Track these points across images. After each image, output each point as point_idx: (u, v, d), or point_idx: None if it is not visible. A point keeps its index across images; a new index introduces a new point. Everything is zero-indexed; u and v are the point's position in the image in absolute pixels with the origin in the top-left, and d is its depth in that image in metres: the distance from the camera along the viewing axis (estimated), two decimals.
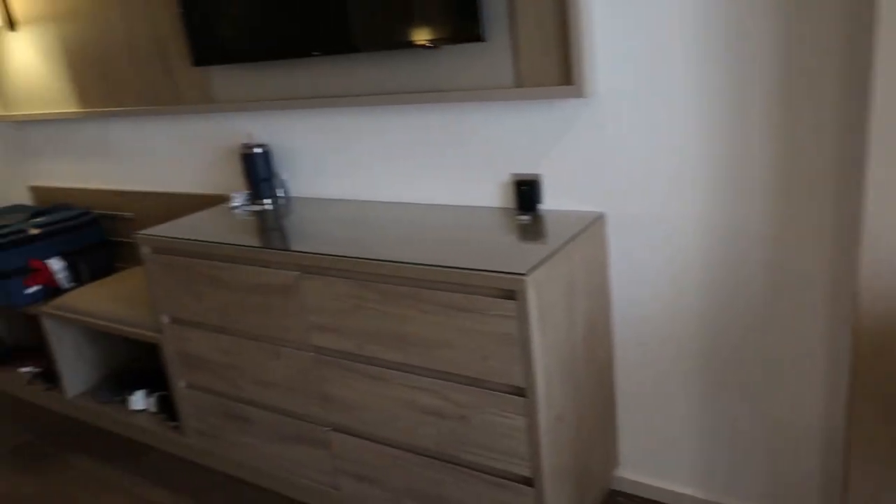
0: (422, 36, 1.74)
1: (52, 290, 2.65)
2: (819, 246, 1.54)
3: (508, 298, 1.44)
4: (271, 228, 1.99)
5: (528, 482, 1.58)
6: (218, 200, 2.47)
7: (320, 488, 1.99)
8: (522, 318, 1.44)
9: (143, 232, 2.05)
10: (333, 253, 1.67)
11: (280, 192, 2.26)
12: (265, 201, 2.21)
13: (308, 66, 2.08)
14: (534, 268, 1.45)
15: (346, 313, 1.70)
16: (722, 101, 1.55)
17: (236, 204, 2.24)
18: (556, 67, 1.66)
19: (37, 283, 2.60)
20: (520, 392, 1.51)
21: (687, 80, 1.57)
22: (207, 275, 1.92)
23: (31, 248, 2.59)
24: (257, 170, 2.17)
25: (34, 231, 2.61)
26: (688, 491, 1.90)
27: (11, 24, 2.76)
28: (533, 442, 1.53)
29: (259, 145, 2.17)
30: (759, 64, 1.49)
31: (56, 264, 2.64)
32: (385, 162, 2.08)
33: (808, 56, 1.43)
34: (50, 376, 2.79)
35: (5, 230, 2.58)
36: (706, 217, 1.65)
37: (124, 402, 2.55)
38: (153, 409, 2.49)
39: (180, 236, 1.96)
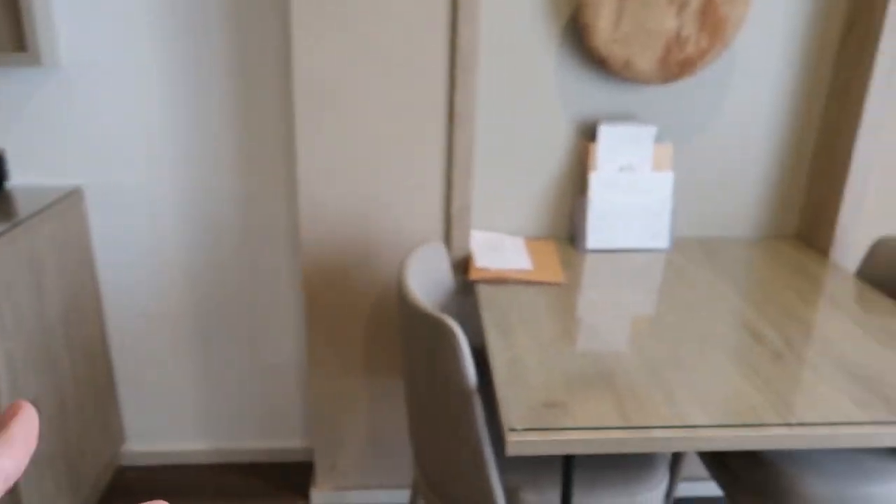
0: None
1: None
2: (276, 207, 1.78)
3: None
4: None
5: None
6: None
7: None
8: None
9: None
10: None
11: None
12: None
13: None
14: None
15: None
16: (187, 81, 1.67)
17: None
18: (9, 34, 1.57)
19: None
20: None
21: (151, 56, 1.65)
22: None
23: None
24: None
25: None
26: (197, 446, 2.02)
27: None
28: None
29: None
30: (217, 53, 1.64)
31: None
32: None
33: (255, 52, 1.64)
34: None
35: None
36: (183, 186, 1.76)
37: None
38: None
39: None
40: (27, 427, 0.28)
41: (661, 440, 0.98)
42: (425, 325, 1.13)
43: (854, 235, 1.68)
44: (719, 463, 1.39)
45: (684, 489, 1.90)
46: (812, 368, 1.14)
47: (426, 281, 1.39)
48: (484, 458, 1.12)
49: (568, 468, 1.12)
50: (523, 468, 1.25)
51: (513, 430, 0.98)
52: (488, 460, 1.12)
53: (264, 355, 1.93)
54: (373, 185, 1.56)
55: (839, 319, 1.31)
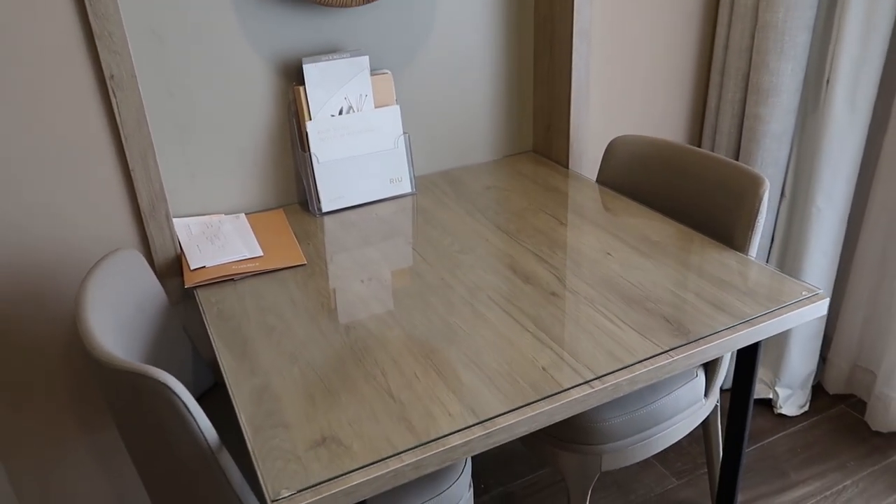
0: None
1: None
2: None
3: None
4: None
5: None
6: None
7: None
8: None
9: None
10: None
11: None
12: None
13: None
14: None
15: None
16: None
17: None
18: None
19: None
20: None
21: None
22: None
23: None
24: None
25: None
26: None
27: None
28: None
29: None
30: None
31: None
32: None
33: None
34: None
35: None
36: None
37: None
38: None
39: None
40: None
41: (461, 446, 0.80)
42: (127, 385, 0.81)
43: (586, 141, 1.64)
44: None
45: None
46: (589, 302, 1.05)
47: (123, 308, 1.04)
48: None
49: None
50: None
51: (278, 499, 0.73)
52: None
53: None
54: (16, 198, 1.13)
55: (598, 236, 1.25)
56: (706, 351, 0.94)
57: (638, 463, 1.69)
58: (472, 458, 1.66)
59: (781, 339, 1.77)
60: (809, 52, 1.54)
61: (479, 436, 0.81)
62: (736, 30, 1.59)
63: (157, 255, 1.24)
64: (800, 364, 1.78)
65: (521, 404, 0.84)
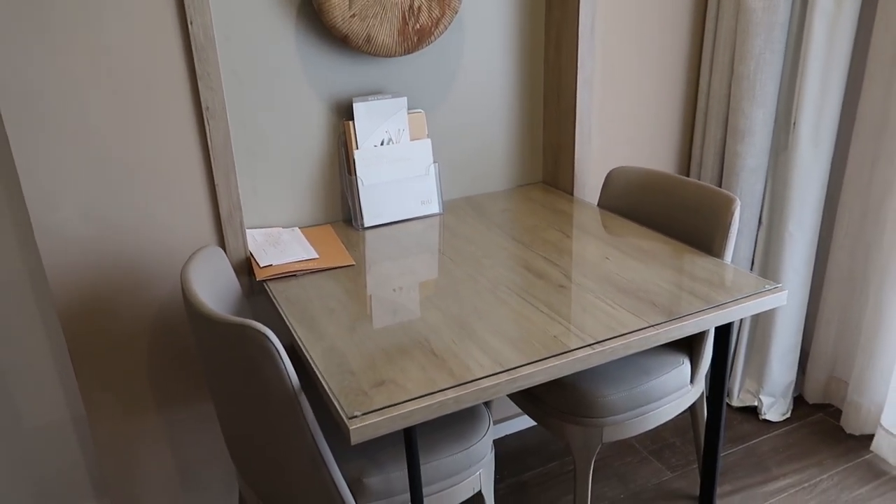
0: None
1: None
2: (6, 255, 1.52)
3: None
4: None
5: None
6: None
7: None
8: None
9: None
10: None
11: None
12: None
13: None
14: None
15: None
16: None
17: None
18: None
19: None
20: None
21: None
22: None
23: None
24: None
25: None
26: None
27: None
28: None
29: None
30: None
31: None
32: None
33: None
34: None
35: None
36: None
37: None
38: None
39: None
40: None
41: (491, 388, 1.03)
42: (230, 336, 1.04)
43: (588, 173, 1.90)
44: (526, 394, 1.51)
45: (498, 430, 2.04)
46: (590, 292, 1.28)
47: (213, 288, 1.28)
48: (322, 458, 1.08)
49: (410, 440, 1.12)
50: (360, 456, 1.23)
51: (353, 417, 0.95)
52: (327, 459, 1.09)
53: (26, 419, 1.64)
54: (123, 202, 1.39)
55: (598, 246, 1.49)
56: (684, 327, 1.17)
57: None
58: None
59: (763, 352, 1.98)
60: (778, 99, 1.81)
61: (505, 380, 1.03)
62: (715, 80, 1.86)
63: (231, 255, 1.49)
64: (780, 374, 1.99)
65: (537, 359, 1.07)
